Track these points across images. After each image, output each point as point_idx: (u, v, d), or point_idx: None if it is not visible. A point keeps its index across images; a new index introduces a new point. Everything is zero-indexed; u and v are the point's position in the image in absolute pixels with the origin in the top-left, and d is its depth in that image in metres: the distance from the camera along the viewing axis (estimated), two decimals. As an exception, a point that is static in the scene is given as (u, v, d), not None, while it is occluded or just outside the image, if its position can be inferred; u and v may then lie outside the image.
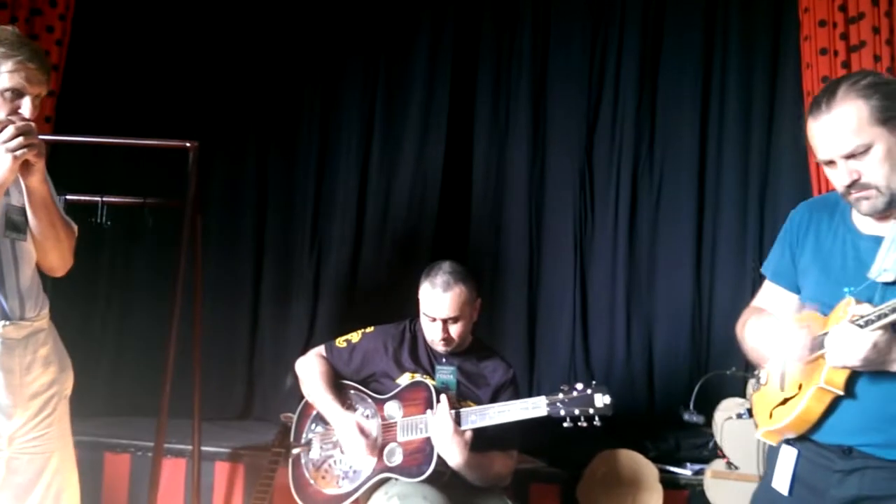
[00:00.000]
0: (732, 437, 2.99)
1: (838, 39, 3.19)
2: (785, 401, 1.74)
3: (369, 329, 2.70)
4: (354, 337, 2.69)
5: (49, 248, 2.14)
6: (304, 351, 2.83)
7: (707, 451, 3.20)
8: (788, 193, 3.64)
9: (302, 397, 2.72)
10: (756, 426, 1.86)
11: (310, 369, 2.65)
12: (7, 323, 2.04)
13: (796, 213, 1.93)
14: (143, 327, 3.91)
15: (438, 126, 4.03)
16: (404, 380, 2.55)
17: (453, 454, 2.33)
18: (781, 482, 1.78)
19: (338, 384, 2.63)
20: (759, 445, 2.88)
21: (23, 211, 2.09)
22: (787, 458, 1.78)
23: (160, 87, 4.02)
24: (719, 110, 3.89)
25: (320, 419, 2.65)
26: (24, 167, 1.97)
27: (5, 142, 1.90)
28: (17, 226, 2.08)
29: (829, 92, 1.67)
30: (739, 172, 3.83)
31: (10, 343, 2.06)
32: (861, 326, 1.54)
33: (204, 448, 3.22)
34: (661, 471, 3.13)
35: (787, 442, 1.80)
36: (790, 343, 1.70)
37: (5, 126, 1.91)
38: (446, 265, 2.57)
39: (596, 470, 3.11)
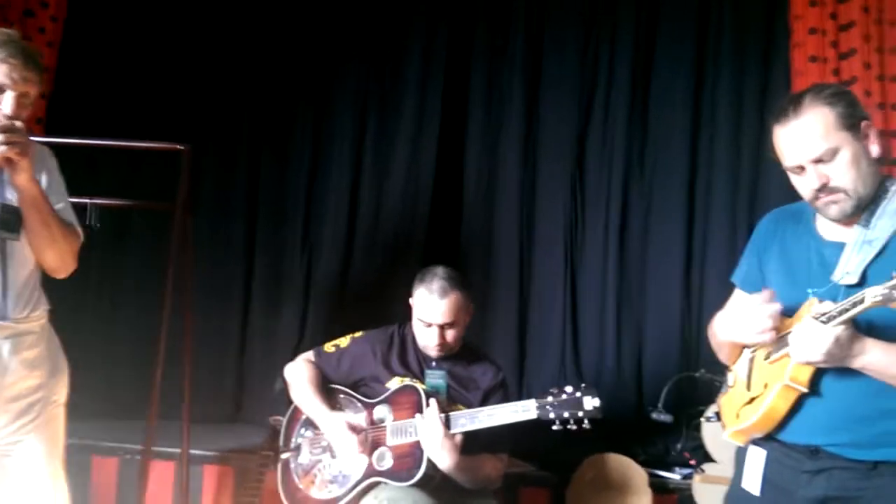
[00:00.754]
0: (717, 441, 2.99)
1: (828, 47, 3.21)
2: (751, 400, 1.76)
3: (358, 334, 2.70)
4: (343, 342, 2.68)
5: (43, 248, 2.10)
6: (294, 354, 2.82)
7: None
8: (778, 199, 3.61)
9: (291, 401, 2.72)
10: (723, 427, 1.88)
11: (298, 374, 2.64)
12: None
13: (763, 222, 1.97)
14: (132, 330, 3.90)
15: (430, 131, 4.04)
16: (394, 384, 2.55)
17: (443, 457, 2.33)
18: (752, 482, 1.80)
19: (327, 389, 2.62)
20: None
21: (16, 210, 2.05)
22: (756, 458, 1.80)
23: (152, 90, 4.02)
24: (710, 116, 3.91)
25: (310, 424, 2.64)
26: (9, 165, 1.94)
27: None
28: (8, 225, 2.03)
29: (794, 101, 1.72)
30: (730, 178, 3.85)
31: None
32: (823, 322, 1.56)
33: (193, 451, 3.20)
34: (651, 475, 3.14)
35: (755, 443, 1.81)
36: (754, 312, 1.70)
37: None
38: (441, 271, 2.57)
39: (585, 474, 3.12)
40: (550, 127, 4.04)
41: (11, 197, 2.04)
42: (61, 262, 2.16)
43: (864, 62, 3.15)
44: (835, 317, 1.56)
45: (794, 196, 3.34)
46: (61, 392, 2.22)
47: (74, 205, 2.83)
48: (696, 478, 3.05)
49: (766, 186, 3.77)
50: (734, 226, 3.83)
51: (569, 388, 2.28)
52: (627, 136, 3.95)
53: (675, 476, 3.22)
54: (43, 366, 2.14)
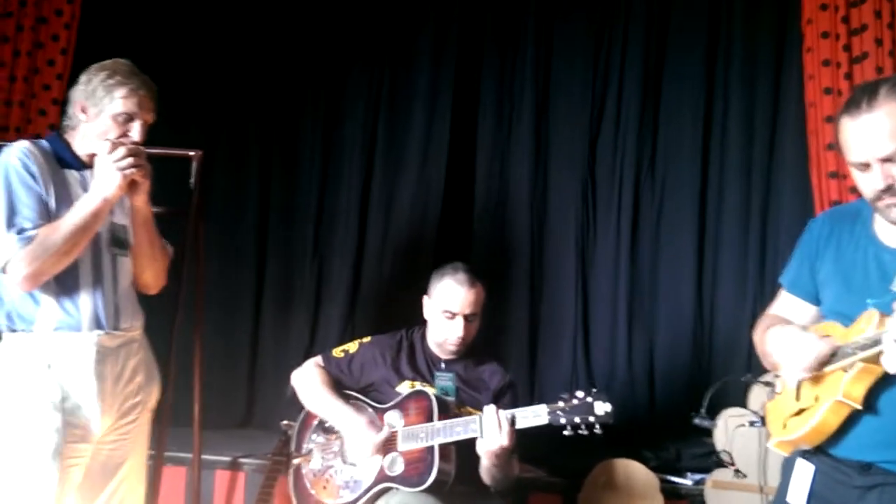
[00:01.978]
0: (735, 447, 2.98)
1: (841, 51, 3.20)
2: (800, 411, 1.71)
3: (366, 339, 2.71)
4: (352, 347, 2.69)
5: (146, 266, 2.33)
6: (305, 360, 2.82)
7: (709, 460, 3.19)
8: (790, 206, 3.64)
9: (303, 406, 2.72)
10: (769, 436, 1.82)
11: (310, 379, 2.65)
12: (102, 332, 2.16)
13: (816, 223, 1.88)
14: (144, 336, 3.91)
15: (441, 138, 4.05)
16: (404, 388, 2.55)
17: (502, 453, 2.32)
18: (798, 497, 1.74)
19: (341, 392, 2.63)
20: (760, 455, 2.88)
21: (127, 229, 2.28)
22: (804, 473, 1.74)
23: (164, 96, 4.01)
24: (722, 123, 3.90)
25: (321, 429, 2.64)
26: (132, 186, 2.15)
27: (116, 161, 2.08)
28: (121, 242, 2.26)
29: (869, 91, 1.61)
30: (742, 185, 3.83)
31: (104, 351, 2.17)
32: None
33: (204, 456, 3.21)
34: (662, 480, 3.12)
35: (803, 456, 1.76)
36: (806, 351, 1.64)
37: (117, 147, 2.10)
38: (461, 264, 2.63)
39: (596, 479, 3.11)
40: (561, 134, 4.04)
41: (119, 217, 2.26)
42: (157, 279, 2.39)
43: (876, 66, 3.13)
44: None
45: (805, 204, 3.37)
46: (154, 398, 2.39)
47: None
48: (709, 483, 3.04)
49: (779, 192, 3.75)
50: (746, 232, 3.81)
51: (580, 394, 2.28)
52: (638, 143, 3.94)
53: (686, 482, 3.20)
54: (143, 371, 2.31)
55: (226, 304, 4.05)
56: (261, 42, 4.14)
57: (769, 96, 3.81)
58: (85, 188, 2.17)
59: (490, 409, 2.32)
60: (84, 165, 2.21)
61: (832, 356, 1.62)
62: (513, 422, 2.29)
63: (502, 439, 2.28)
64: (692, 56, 3.91)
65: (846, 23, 3.20)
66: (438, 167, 4.04)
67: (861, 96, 1.61)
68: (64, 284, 2.13)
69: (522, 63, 4.07)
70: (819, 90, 3.21)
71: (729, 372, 3.24)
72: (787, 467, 1.82)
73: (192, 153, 3.07)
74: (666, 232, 3.93)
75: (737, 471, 2.98)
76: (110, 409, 2.19)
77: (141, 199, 2.21)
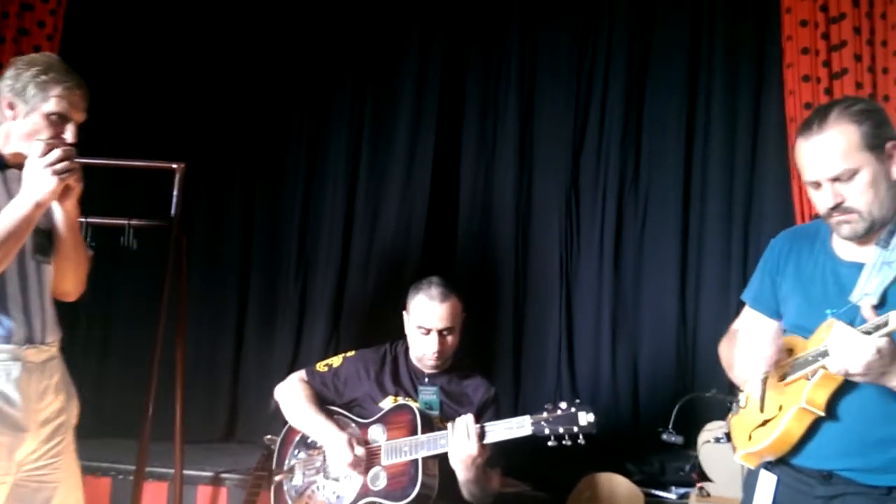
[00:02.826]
0: (716, 461, 2.99)
1: (821, 67, 3.23)
2: (765, 422, 1.74)
3: (350, 353, 2.71)
4: (336, 361, 2.69)
5: (69, 272, 2.17)
6: (288, 374, 2.81)
7: (685, 473, 3.20)
8: (772, 217, 3.66)
9: (286, 422, 2.70)
10: (734, 450, 1.85)
11: (293, 393, 2.64)
12: (29, 346, 2.03)
13: (777, 241, 1.95)
14: (125, 348, 3.88)
15: (425, 149, 4.05)
16: (387, 403, 2.54)
17: (472, 469, 2.32)
18: None
19: (323, 408, 2.61)
20: (742, 469, 2.88)
21: (48, 234, 2.11)
22: (767, 484, 1.77)
23: (147, 107, 4.02)
24: (704, 135, 3.92)
25: (304, 445, 2.63)
26: (64, 190, 2.00)
27: (52, 164, 1.93)
28: (43, 249, 2.10)
29: (821, 114, 1.68)
30: (724, 196, 3.85)
31: (30, 367, 2.04)
32: (868, 332, 1.51)
33: (186, 472, 3.18)
34: (646, 494, 3.12)
35: (766, 468, 1.79)
36: (762, 339, 1.70)
37: (51, 148, 1.95)
38: (436, 279, 2.63)
39: (581, 493, 3.10)
40: (545, 144, 4.05)
41: (42, 222, 2.08)
42: (78, 286, 2.23)
43: (855, 81, 3.17)
44: (881, 326, 1.50)
45: (787, 215, 3.39)
46: (74, 416, 2.25)
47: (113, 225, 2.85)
48: (693, 497, 3.04)
49: (761, 204, 3.77)
50: (729, 243, 3.82)
51: (563, 404, 2.29)
52: (622, 153, 3.96)
53: (671, 496, 3.20)
54: (63, 389, 2.17)
55: (209, 318, 4.03)
56: (247, 55, 4.14)
57: (750, 110, 3.83)
58: (7, 189, 2.04)
59: (461, 418, 2.33)
60: (5, 165, 2.06)
61: (793, 360, 1.67)
62: (482, 432, 2.30)
63: (470, 448, 2.27)
64: (674, 69, 3.94)
65: (826, 39, 3.24)
66: (423, 182, 4.04)
67: (814, 118, 1.69)
68: None
69: (507, 75, 4.09)
70: (799, 105, 3.25)
71: (713, 383, 3.24)
72: (751, 481, 1.84)
73: (174, 166, 3.06)
74: (649, 244, 3.94)
75: (701, 488, 3.01)
76: (35, 430, 2.06)
77: (71, 204, 2.07)
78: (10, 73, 2.05)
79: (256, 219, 4.16)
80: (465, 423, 2.31)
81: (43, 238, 2.10)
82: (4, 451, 1.99)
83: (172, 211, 3.03)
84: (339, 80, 4.16)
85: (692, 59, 3.94)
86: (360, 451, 2.43)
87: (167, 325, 3.01)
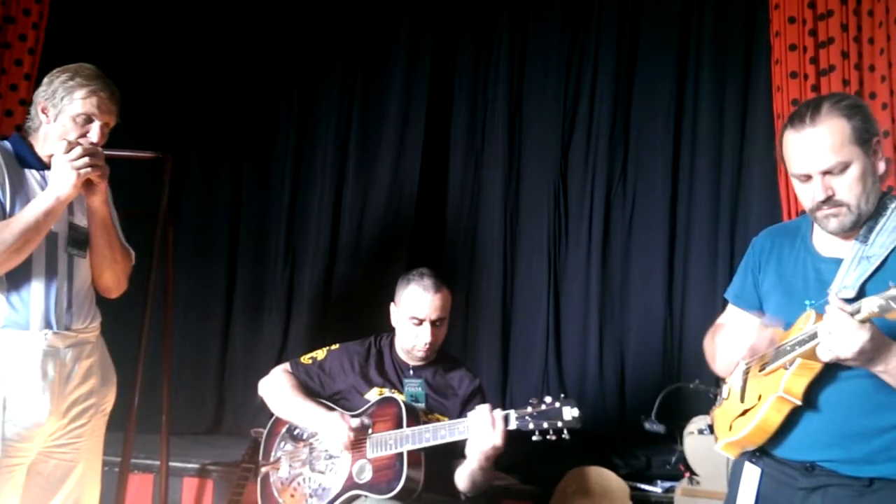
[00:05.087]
0: (701, 453, 3.01)
1: (808, 63, 3.24)
2: (744, 412, 1.75)
3: (334, 346, 2.70)
4: (320, 354, 2.68)
5: (105, 268, 2.31)
6: (275, 366, 2.80)
7: (671, 466, 3.22)
8: (759, 213, 3.68)
9: (272, 413, 2.70)
10: (716, 440, 1.87)
11: (278, 385, 2.63)
12: (51, 332, 2.15)
13: (758, 240, 1.97)
14: (111, 339, 3.83)
15: (414, 141, 4.05)
16: (373, 395, 2.54)
17: (492, 457, 2.31)
18: (746, 501, 1.79)
19: (309, 395, 2.61)
20: (728, 463, 2.90)
21: (85, 231, 2.27)
22: (751, 477, 1.79)
23: (134, 97, 3.95)
24: (692, 131, 3.93)
25: (290, 437, 2.62)
26: (88, 187, 2.15)
27: (72, 160, 2.08)
28: (79, 243, 2.25)
29: (812, 107, 1.69)
30: (711, 192, 3.87)
31: (53, 351, 2.16)
32: (854, 314, 1.51)
33: (172, 463, 3.18)
34: (632, 488, 3.13)
35: (750, 460, 1.80)
36: (745, 329, 1.74)
37: (73, 146, 2.10)
38: (427, 270, 2.63)
39: (567, 486, 3.11)
40: (534, 138, 4.06)
41: (80, 218, 2.25)
42: (117, 283, 2.37)
43: (843, 78, 3.18)
44: (871, 313, 1.50)
45: (773, 211, 3.41)
46: (109, 401, 2.37)
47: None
48: (678, 491, 3.06)
49: (748, 200, 3.79)
50: (715, 238, 3.85)
51: (548, 399, 2.29)
52: (610, 148, 3.97)
53: (656, 489, 3.22)
54: (96, 374, 2.30)
55: (195, 309, 4.02)
56: (234, 45, 4.12)
57: (738, 107, 3.85)
58: (44, 188, 2.16)
59: (483, 408, 2.31)
60: (45, 166, 2.21)
61: (775, 354, 1.69)
62: (506, 420, 2.29)
63: (495, 438, 2.27)
64: (663, 65, 3.95)
65: (813, 36, 3.24)
66: (411, 173, 4.04)
67: (805, 111, 1.69)
68: (15, 282, 2.12)
69: (496, 68, 4.09)
70: (787, 102, 3.26)
71: (699, 378, 3.26)
72: (736, 473, 1.86)
73: (162, 156, 3.04)
74: (636, 239, 3.95)
75: (691, 478, 3.03)
76: (58, 411, 2.17)
77: (98, 200, 2.20)
78: (45, 80, 2.23)
79: (244, 209, 4.16)
80: (486, 413, 2.28)
81: (79, 233, 2.25)
82: (24, 433, 2.10)
83: (160, 201, 3.01)
84: (327, 71, 4.15)
85: (680, 56, 3.95)
86: (355, 422, 2.42)
87: (154, 316, 3.00)
